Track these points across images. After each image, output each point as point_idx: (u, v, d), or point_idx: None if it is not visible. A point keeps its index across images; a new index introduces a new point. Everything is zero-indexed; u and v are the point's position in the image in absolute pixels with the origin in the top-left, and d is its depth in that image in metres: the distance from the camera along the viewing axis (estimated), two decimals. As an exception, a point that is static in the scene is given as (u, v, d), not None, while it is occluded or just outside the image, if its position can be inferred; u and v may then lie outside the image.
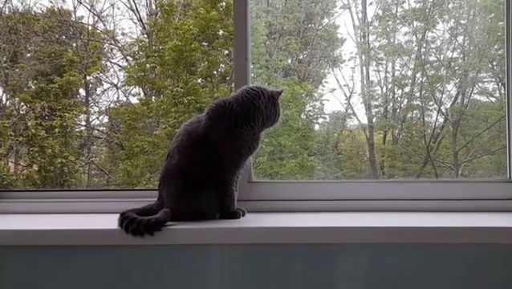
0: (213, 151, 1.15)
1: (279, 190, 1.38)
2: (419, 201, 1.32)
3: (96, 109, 3.64)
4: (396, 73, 3.22)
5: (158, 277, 1.11)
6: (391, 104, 3.24)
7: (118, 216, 1.10)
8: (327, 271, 1.09)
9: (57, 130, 3.20)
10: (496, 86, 2.95)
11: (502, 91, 2.93)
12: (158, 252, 1.11)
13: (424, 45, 3.07)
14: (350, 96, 3.23)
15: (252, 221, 1.17)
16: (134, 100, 3.52)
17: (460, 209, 1.29)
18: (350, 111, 3.29)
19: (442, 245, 1.07)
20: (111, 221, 1.11)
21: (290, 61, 3.46)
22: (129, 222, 1.06)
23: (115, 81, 3.53)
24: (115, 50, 3.59)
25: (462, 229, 1.07)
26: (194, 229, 1.08)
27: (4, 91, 3.34)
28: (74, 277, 1.13)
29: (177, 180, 1.14)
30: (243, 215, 1.21)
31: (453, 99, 3.07)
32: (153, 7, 3.57)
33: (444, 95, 3.08)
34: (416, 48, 3.13)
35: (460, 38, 3.03)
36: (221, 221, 1.16)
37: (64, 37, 3.60)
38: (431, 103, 3.14)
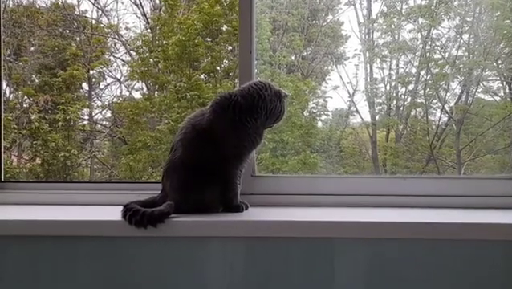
0: (217, 144, 1.15)
1: (282, 185, 1.38)
2: (421, 197, 1.32)
3: (99, 103, 3.63)
4: (400, 70, 3.20)
5: (160, 269, 1.12)
6: (394, 102, 3.23)
7: (121, 208, 1.10)
8: (328, 265, 1.10)
9: (60, 124, 3.20)
10: (501, 84, 2.93)
11: (507, 90, 2.92)
12: (161, 244, 1.11)
13: (429, 42, 3.04)
14: (353, 94, 3.22)
15: (254, 214, 1.17)
16: (137, 95, 3.51)
17: (463, 205, 1.29)
18: (353, 108, 3.29)
19: (444, 241, 1.07)
20: (114, 213, 1.11)
21: (293, 57, 3.44)
22: (133, 214, 1.07)
23: (119, 75, 3.53)
24: (118, 45, 3.58)
25: (464, 226, 1.07)
26: (197, 222, 1.09)
27: (8, 85, 3.34)
28: (76, 267, 1.13)
29: (181, 173, 1.14)
30: (246, 209, 1.21)
31: (457, 97, 3.05)
32: (157, 2, 3.56)
33: (448, 94, 3.06)
34: (420, 46, 3.11)
35: (465, 36, 3.01)
36: (223, 214, 1.17)
37: (68, 31, 3.60)
38: (435, 101, 3.12)
